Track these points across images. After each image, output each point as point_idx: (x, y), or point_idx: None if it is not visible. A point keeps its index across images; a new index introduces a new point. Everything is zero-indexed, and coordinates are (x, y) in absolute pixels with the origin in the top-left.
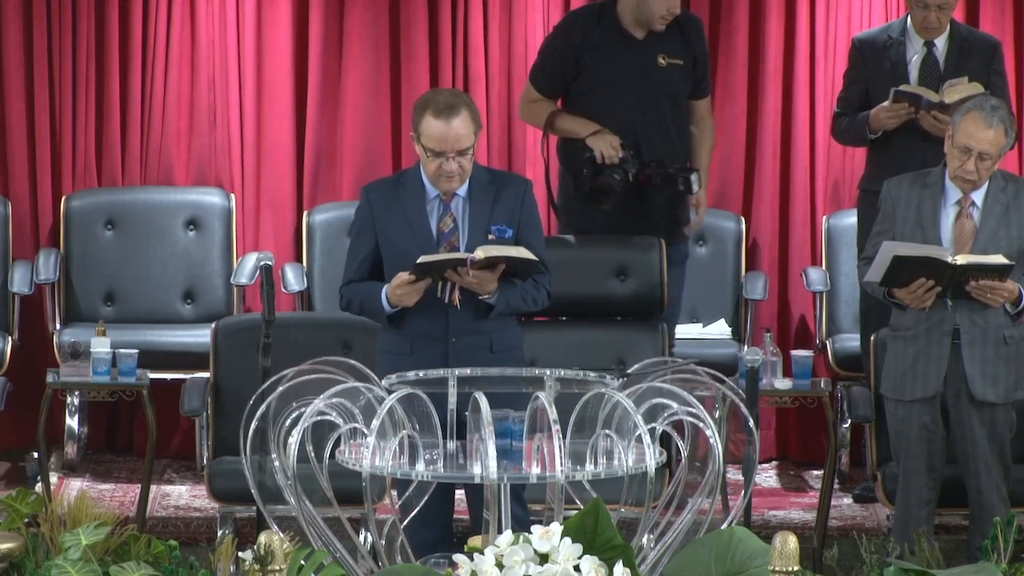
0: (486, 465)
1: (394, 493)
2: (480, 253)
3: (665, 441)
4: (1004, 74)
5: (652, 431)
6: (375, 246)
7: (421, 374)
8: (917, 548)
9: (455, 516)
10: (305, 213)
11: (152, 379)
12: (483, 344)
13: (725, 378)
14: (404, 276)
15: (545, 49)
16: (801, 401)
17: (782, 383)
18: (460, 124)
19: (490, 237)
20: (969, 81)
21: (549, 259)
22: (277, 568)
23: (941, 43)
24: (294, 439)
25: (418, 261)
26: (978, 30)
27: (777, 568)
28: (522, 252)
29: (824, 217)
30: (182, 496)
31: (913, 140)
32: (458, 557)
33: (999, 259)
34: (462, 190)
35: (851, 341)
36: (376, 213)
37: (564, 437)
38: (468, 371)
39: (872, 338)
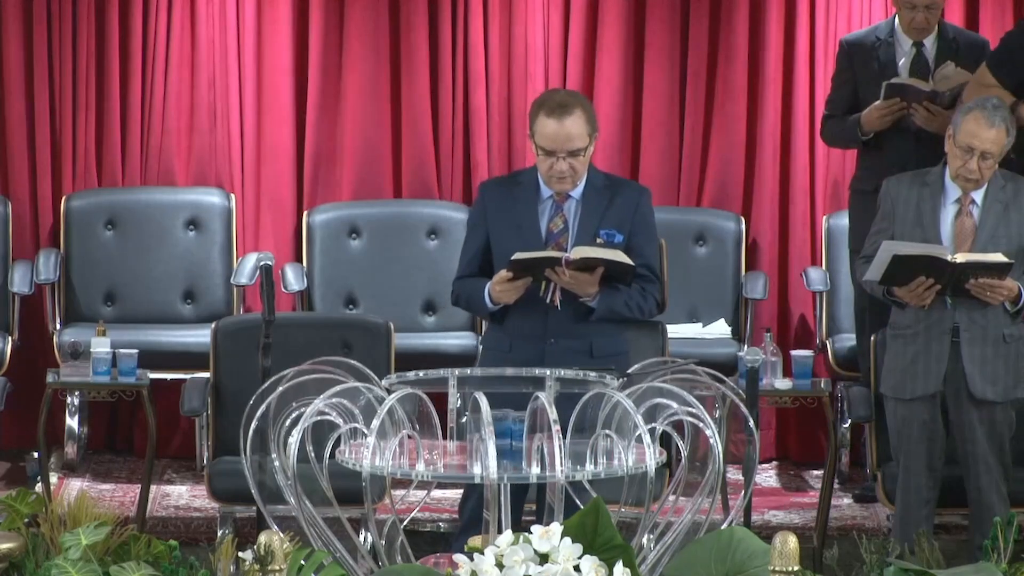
0: (486, 465)
1: (395, 494)
2: (575, 253)
3: (665, 441)
4: None
5: (652, 431)
6: (486, 242)
7: (421, 374)
8: (917, 548)
9: None
10: (305, 213)
11: (152, 379)
12: (582, 348)
13: (725, 378)
14: (504, 273)
15: None
16: (801, 401)
17: (782, 383)
18: (572, 124)
19: (598, 241)
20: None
21: None
22: (277, 568)
23: (930, 43)
24: (294, 439)
25: (513, 258)
26: (967, 30)
27: (777, 568)
28: (618, 255)
29: (824, 217)
30: (182, 496)
31: (905, 141)
32: (458, 557)
33: (998, 257)
34: (576, 192)
35: (851, 341)
36: (489, 211)
37: (564, 437)
38: (468, 371)
39: (872, 338)
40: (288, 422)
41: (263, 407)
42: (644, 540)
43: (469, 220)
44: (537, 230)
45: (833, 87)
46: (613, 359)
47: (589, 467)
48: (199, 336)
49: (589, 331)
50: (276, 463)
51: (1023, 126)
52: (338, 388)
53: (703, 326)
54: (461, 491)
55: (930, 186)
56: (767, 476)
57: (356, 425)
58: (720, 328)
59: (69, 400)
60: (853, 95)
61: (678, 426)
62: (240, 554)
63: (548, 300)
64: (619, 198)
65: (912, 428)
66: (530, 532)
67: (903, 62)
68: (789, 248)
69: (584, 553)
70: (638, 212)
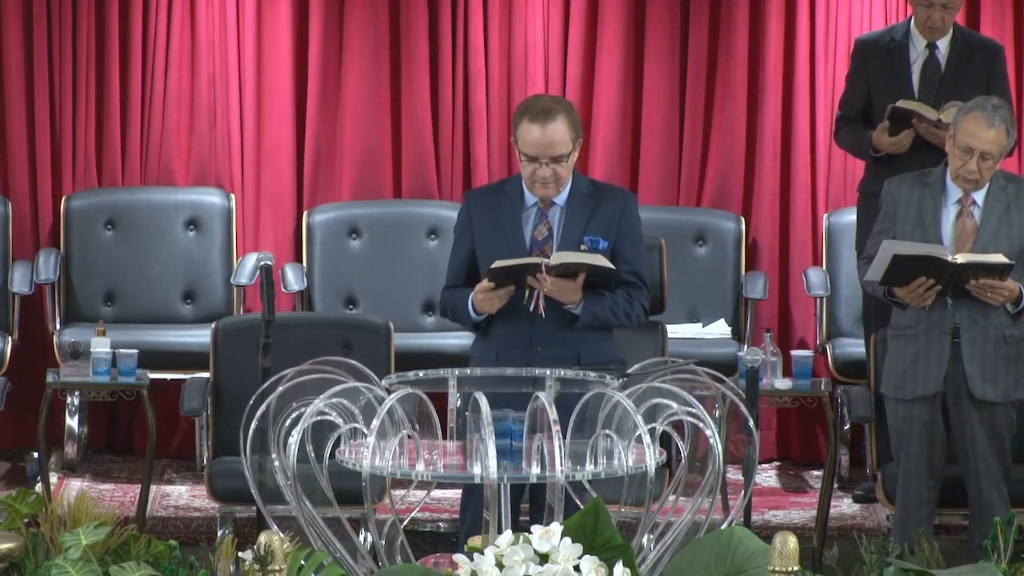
0: (486, 465)
1: (395, 494)
2: (554, 259)
3: (665, 441)
4: (1006, 77)
5: (652, 431)
6: (471, 252)
7: (421, 374)
8: (917, 548)
9: None
10: (305, 213)
11: (152, 379)
12: (570, 355)
13: (725, 378)
14: (485, 283)
15: None
16: (801, 401)
17: (782, 383)
18: (555, 130)
19: (582, 248)
20: (969, 84)
21: None
22: (277, 568)
23: (943, 45)
24: (294, 439)
25: (492, 266)
26: (980, 34)
27: (777, 568)
28: (599, 259)
29: (824, 216)
30: (182, 496)
31: (913, 145)
32: (458, 557)
33: (999, 258)
34: (561, 199)
35: (851, 347)
36: (474, 219)
37: (564, 437)
38: (468, 371)
39: (872, 337)
40: (288, 422)
41: (263, 407)
42: (644, 540)
43: (455, 230)
44: (521, 238)
45: (847, 86)
46: (603, 367)
47: (589, 467)
48: (199, 336)
49: (576, 338)
50: (276, 463)
51: None
52: (338, 388)
53: (703, 326)
54: (460, 491)
55: (931, 187)
56: (767, 476)
57: (356, 425)
58: (720, 328)
59: (69, 400)
60: (866, 95)
61: (678, 426)
62: (240, 554)
63: (532, 308)
64: (604, 204)
65: (912, 428)
66: (530, 532)
67: (916, 63)
68: (789, 248)
69: (584, 553)
70: (624, 218)
